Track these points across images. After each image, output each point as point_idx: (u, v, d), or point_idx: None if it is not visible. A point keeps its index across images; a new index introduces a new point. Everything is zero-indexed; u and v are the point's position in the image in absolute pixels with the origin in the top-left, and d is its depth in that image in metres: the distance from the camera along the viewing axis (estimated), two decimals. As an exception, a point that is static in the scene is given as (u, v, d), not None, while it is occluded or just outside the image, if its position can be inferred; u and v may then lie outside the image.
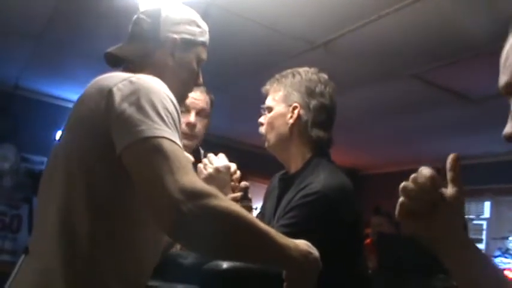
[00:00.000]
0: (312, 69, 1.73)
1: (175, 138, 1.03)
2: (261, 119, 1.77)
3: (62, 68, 4.54)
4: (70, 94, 5.42)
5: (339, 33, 3.17)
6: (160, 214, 0.97)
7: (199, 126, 2.03)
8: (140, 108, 1.03)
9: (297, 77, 1.70)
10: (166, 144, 1.00)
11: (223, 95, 4.48)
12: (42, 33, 3.75)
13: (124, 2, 3.01)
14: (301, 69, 1.73)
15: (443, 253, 0.88)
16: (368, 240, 4.97)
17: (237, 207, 0.99)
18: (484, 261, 0.88)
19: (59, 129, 5.32)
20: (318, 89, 1.68)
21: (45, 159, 5.38)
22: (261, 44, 3.49)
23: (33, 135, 5.23)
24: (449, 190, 0.87)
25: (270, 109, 1.72)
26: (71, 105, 4.62)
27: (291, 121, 1.66)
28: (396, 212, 0.88)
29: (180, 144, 1.03)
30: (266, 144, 1.75)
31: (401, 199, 0.87)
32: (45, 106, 5.47)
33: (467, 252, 0.87)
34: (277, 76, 1.75)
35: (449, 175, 0.87)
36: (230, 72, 3.81)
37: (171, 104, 1.09)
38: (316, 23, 3.10)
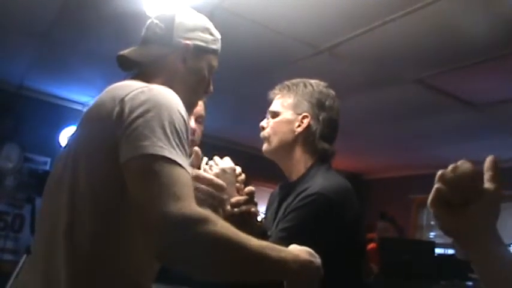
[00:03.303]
0: (322, 83, 1.74)
1: (178, 157, 1.01)
2: (263, 123, 1.76)
3: (67, 68, 4.55)
4: (74, 94, 5.44)
5: (343, 38, 3.18)
6: (148, 236, 0.96)
7: (198, 132, 2.05)
8: (147, 122, 1.03)
9: (309, 88, 1.71)
10: (164, 164, 0.98)
11: (227, 98, 4.50)
12: (47, 34, 3.76)
13: (129, 4, 3.02)
14: (313, 81, 1.74)
15: (472, 250, 0.83)
16: (373, 245, 4.95)
17: (226, 230, 0.97)
18: None
19: (62, 129, 5.35)
20: (328, 103, 1.70)
21: (48, 159, 5.40)
22: (266, 47, 3.49)
23: (36, 135, 5.25)
24: (487, 185, 0.83)
25: (275, 114, 1.71)
26: (75, 106, 4.65)
27: (299, 129, 1.66)
28: (429, 199, 0.82)
29: (183, 163, 1.01)
30: (265, 147, 1.73)
31: (437, 185, 0.81)
32: (49, 106, 5.49)
33: (498, 250, 0.82)
34: (287, 83, 1.74)
35: (487, 174, 0.83)
36: (234, 74, 3.82)
37: (180, 119, 1.08)
38: (321, 28, 3.10)
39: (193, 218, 0.93)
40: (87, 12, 3.27)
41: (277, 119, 1.71)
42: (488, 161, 0.84)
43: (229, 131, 5.92)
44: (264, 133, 1.74)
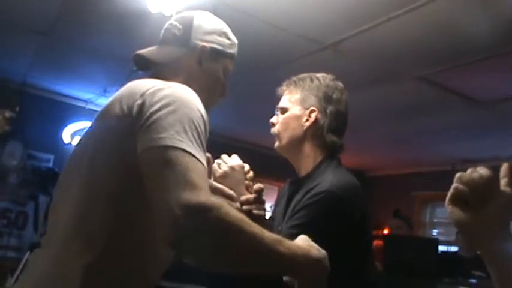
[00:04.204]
0: (329, 76, 1.75)
1: (194, 150, 1.02)
2: (273, 119, 1.77)
3: (69, 65, 4.56)
4: (77, 92, 5.45)
5: (347, 34, 3.17)
6: (161, 225, 0.97)
7: None
8: (166, 116, 1.04)
9: (315, 82, 1.72)
10: (181, 156, 0.99)
11: (231, 95, 4.47)
12: (50, 31, 3.76)
13: (131, 1, 3.01)
14: (319, 75, 1.74)
15: (485, 248, 0.87)
16: (378, 243, 4.95)
17: (240, 220, 0.98)
18: None
19: (65, 126, 5.35)
20: (335, 96, 1.71)
21: (51, 156, 5.41)
22: (269, 44, 3.49)
23: (39, 132, 5.26)
24: (503, 188, 0.87)
25: (284, 110, 1.72)
26: (77, 103, 4.65)
27: (307, 124, 1.67)
28: (447, 197, 0.88)
29: (200, 157, 1.03)
30: (276, 144, 1.74)
31: (455, 184, 0.87)
32: (52, 103, 5.51)
33: (509, 248, 0.85)
34: (294, 79, 1.75)
35: (503, 180, 0.88)
36: (237, 71, 3.81)
37: (199, 116, 1.10)
38: (325, 24, 3.09)
39: (209, 205, 0.94)
40: (90, 10, 3.27)
41: (285, 115, 1.71)
42: (504, 168, 0.89)
43: (232, 128, 5.92)
44: (274, 130, 1.75)
